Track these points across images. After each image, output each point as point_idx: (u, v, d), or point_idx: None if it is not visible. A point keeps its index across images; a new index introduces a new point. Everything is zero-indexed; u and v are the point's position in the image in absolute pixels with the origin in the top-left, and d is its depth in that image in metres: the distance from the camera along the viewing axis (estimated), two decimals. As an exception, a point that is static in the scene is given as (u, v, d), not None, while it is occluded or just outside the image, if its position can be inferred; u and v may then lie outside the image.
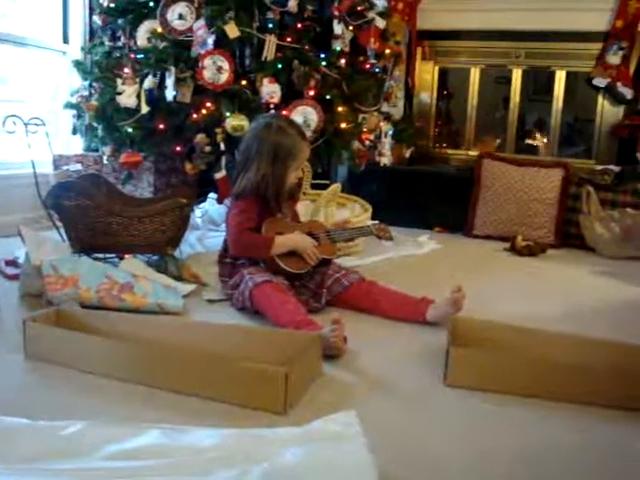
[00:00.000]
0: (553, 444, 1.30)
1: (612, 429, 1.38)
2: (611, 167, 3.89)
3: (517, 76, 4.52)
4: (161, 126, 2.83)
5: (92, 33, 3.76)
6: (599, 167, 3.98)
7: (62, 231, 2.51)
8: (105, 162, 3.28)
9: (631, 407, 1.43)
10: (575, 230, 3.68)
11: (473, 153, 4.53)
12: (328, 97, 2.91)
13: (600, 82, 4.12)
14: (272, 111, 2.75)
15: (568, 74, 4.42)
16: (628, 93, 4.05)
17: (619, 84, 4.05)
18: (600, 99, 4.26)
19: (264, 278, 2.00)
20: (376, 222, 2.53)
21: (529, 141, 5.19)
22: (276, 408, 1.37)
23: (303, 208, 2.84)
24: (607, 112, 4.26)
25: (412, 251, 3.34)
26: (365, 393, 1.53)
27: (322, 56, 2.97)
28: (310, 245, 2.16)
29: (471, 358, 1.59)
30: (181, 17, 2.90)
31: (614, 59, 4.05)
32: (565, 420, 1.42)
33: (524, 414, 1.44)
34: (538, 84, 5.16)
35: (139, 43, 3.01)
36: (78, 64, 3.31)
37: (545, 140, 4.94)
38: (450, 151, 4.77)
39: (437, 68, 4.73)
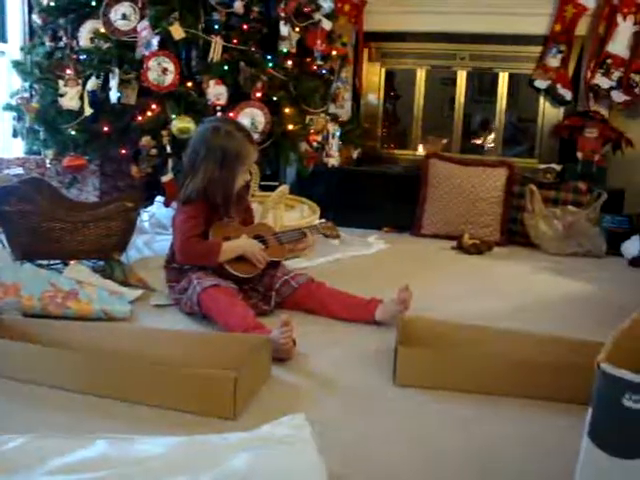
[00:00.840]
0: (503, 439, 1.33)
1: (560, 423, 1.42)
2: (553, 166, 4.00)
3: (462, 77, 4.59)
4: (105, 129, 2.78)
5: (32, 32, 3.66)
6: (542, 166, 4.09)
7: (2, 237, 2.43)
8: (48, 165, 3.20)
9: (577, 401, 1.47)
10: (520, 228, 3.77)
11: (420, 153, 4.59)
12: (275, 99, 2.90)
13: (541, 84, 4.23)
14: (219, 113, 2.73)
15: (511, 76, 4.51)
16: (567, 95, 4.17)
17: (559, 86, 4.17)
18: (542, 100, 4.38)
19: (212, 282, 1.98)
20: (323, 221, 2.54)
21: (474, 141, 5.29)
22: (226, 413, 1.36)
23: (251, 210, 2.83)
24: (548, 113, 4.37)
25: (361, 251, 3.36)
26: (315, 395, 1.54)
27: (269, 57, 2.96)
28: (258, 249, 2.15)
29: (420, 357, 1.62)
30: (125, 17, 2.85)
31: (554, 62, 4.16)
32: (514, 415, 1.45)
33: (474, 411, 1.47)
34: (482, 85, 5.26)
35: (81, 43, 2.93)
36: (17, 64, 3.20)
37: (490, 140, 5.04)
38: (397, 151, 4.81)
39: (384, 70, 4.77)
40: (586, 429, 0.81)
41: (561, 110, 4.31)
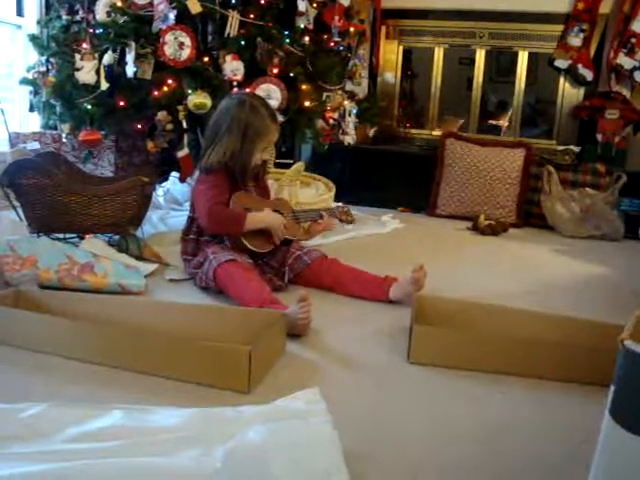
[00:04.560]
0: (515, 419, 1.33)
1: (573, 403, 1.41)
2: (571, 147, 3.96)
3: (480, 56, 4.54)
4: (121, 103, 2.77)
5: (48, 6, 3.65)
6: (560, 147, 4.05)
7: (19, 210, 2.44)
8: (64, 140, 3.20)
9: (589, 381, 1.46)
10: (536, 209, 3.74)
11: (437, 133, 4.55)
12: (292, 75, 2.88)
13: (561, 64, 4.17)
14: (235, 89, 2.72)
15: (530, 55, 4.45)
16: (588, 75, 4.11)
17: (580, 66, 4.10)
18: (561, 80, 4.31)
19: (228, 257, 1.98)
20: (339, 205, 2.54)
21: (492, 121, 5.24)
22: (240, 387, 1.37)
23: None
24: (568, 93, 4.31)
25: (375, 230, 3.36)
26: (329, 371, 1.53)
27: (286, 33, 2.93)
28: (281, 225, 2.15)
29: (434, 335, 1.61)
30: (141, -9, 2.83)
31: (575, 41, 4.09)
32: (527, 395, 1.45)
33: (486, 390, 1.46)
34: (501, 65, 5.19)
35: (98, 17, 2.92)
36: (34, 38, 3.20)
37: (507, 121, 4.99)
38: (414, 131, 4.78)
39: (401, 48, 4.72)
40: (608, 407, 0.80)
41: (581, 91, 4.25)
